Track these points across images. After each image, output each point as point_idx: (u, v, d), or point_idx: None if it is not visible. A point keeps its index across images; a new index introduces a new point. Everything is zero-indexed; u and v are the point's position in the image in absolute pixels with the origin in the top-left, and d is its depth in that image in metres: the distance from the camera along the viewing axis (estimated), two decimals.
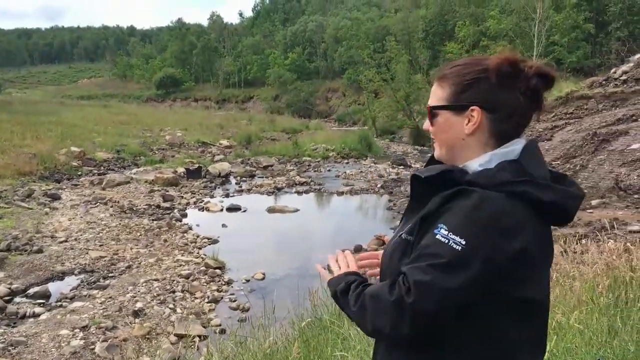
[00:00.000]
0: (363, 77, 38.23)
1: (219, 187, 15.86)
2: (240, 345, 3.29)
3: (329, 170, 19.57)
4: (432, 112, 1.39)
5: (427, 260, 1.22)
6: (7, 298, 6.80)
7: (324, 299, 4.16)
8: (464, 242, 1.19)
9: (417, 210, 1.34)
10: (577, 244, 5.57)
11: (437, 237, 1.23)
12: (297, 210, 12.87)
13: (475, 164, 1.34)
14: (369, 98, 38.61)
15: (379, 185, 15.96)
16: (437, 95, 1.39)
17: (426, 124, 1.44)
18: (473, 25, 40.47)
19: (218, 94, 79.85)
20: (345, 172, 18.75)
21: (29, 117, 27.71)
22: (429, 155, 1.52)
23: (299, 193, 15.21)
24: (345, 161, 22.09)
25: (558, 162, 13.67)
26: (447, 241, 1.20)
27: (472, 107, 1.33)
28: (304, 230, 11.31)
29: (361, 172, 18.79)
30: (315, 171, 19.35)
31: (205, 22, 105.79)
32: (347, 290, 1.41)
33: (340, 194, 14.98)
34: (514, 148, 1.33)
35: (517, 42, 34.95)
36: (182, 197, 13.95)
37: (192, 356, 3.84)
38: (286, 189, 15.67)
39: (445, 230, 1.22)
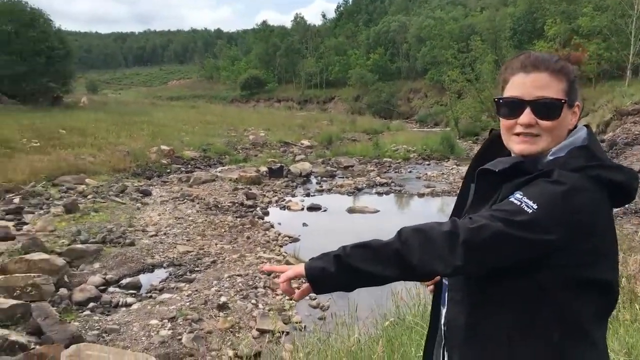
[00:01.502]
0: (446, 77, 37.50)
1: (300, 187, 16.09)
2: (323, 342, 3.33)
3: (409, 172, 19.37)
4: (555, 105, 1.35)
5: (493, 212, 1.26)
6: (102, 287, 7.21)
7: (407, 299, 4.13)
8: (535, 207, 1.21)
9: (483, 203, 1.38)
10: None
11: (510, 199, 1.27)
12: (377, 211, 12.84)
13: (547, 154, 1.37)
14: (452, 99, 37.83)
15: None
16: (555, 88, 1.36)
17: (530, 117, 1.36)
18: (564, 23, 38.69)
19: (300, 94, 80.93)
20: (426, 174, 18.51)
21: (123, 116, 29.23)
22: (478, 149, 1.58)
23: (379, 194, 15.16)
24: (427, 162, 21.79)
25: None
26: (519, 203, 1.23)
27: (577, 102, 1.40)
28: (384, 231, 11.16)
29: (443, 173, 18.48)
30: (395, 172, 19.22)
31: (289, 24, 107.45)
32: (355, 247, 1.34)
33: (421, 195, 14.79)
34: (578, 135, 1.38)
35: (613, 39, 33.13)
36: (265, 195, 14.26)
37: (275, 350, 3.92)
38: (366, 190, 15.67)
39: (520, 195, 1.25)
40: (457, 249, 1.21)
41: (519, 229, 1.20)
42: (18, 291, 6.35)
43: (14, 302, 5.92)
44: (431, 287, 1.65)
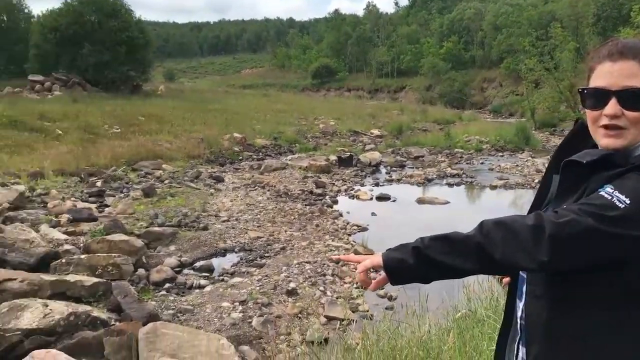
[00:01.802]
0: (523, 66, 36.14)
1: (369, 176, 16.06)
2: (393, 331, 3.34)
3: (482, 163, 18.92)
4: None
5: (581, 206, 1.21)
6: (177, 269, 7.50)
7: (478, 292, 4.07)
8: (628, 202, 1.15)
9: (569, 196, 1.32)
10: None
11: (600, 193, 1.21)
12: (447, 202, 12.64)
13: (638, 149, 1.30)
14: (528, 88, 36.49)
15: (536, 180, 15.12)
16: None
17: (616, 108, 1.30)
18: None
19: (371, 83, 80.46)
20: (499, 165, 18.02)
21: (198, 104, 30.11)
22: (562, 140, 1.52)
23: (449, 185, 14.91)
24: (500, 154, 21.18)
25: None
26: (610, 197, 1.18)
27: None
28: (454, 222, 11.04)
29: (517, 165, 17.93)
30: (467, 163, 18.83)
31: (361, 13, 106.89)
32: (433, 239, 1.34)
33: (494, 187, 14.44)
34: None
35: None
36: (334, 184, 14.34)
37: (344, 337, 3.97)
38: (436, 181, 15.45)
39: (611, 189, 1.20)
40: (542, 244, 1.17)
41: (610, 225, 1.15)
42: (100, 270, 6.71)
43: (96, 280, 6.25)
44: (507, 279, 1.62)
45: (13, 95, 26.55)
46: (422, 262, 1.32)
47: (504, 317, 1.53)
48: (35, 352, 4.15)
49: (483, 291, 4.11)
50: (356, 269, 1.47)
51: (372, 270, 1.43)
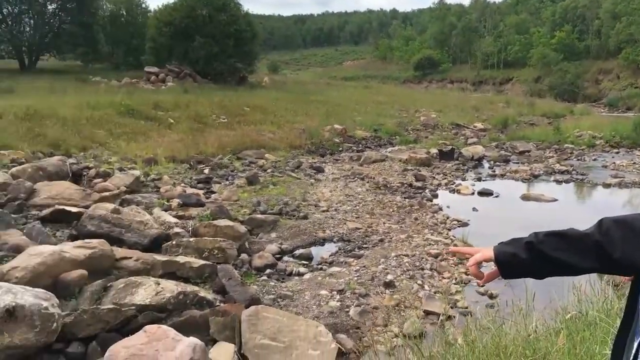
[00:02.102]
0: None
1: (471, 170, 15.65)
2: (497, 329, 3.26)
3: (594, 160, 17.85)
4: None
5: None
6: (277, 256, 7.72)
7: (590, 294, 3.87)
8: None
9: None
10: None
11: None
12: (555, 199, 12.05)
13: None
14: None
15: None
16: None
17: None
18: None
19: (475, 75, 77.99)
20: (614, 163, 16.90)
21: (300, 96, 30.66)
22: None
23: (557, 182, 14.21)
24: (615, 150, 19.85)
25: None
26: None
27: None
28: (562, 221, 10.50)
29: (634, 163, 16.75)
30: (578, 159, 17.84)
31: (466, 2, 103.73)
32: (549, 235, 1.31)
33: (607, 186, 13.57)
34: None
35: None
36: (434, 177, 14.11)
37: (441, 333, 3.92)
38: (543, 177, 14.77)
39: None
40: None
41: None
42: (206, 253, 7.05)
43: (203, 262, 6.57)
44: (626, 278, 1.54)
45: (130, 86, 28.35)
46: (535, 257, 1.29)
47: (624, 315, 1.46)
48: (148, 326, 4.43)
49: (595, 293, 3.89)
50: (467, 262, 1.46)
51: (482, 264, 1.42)
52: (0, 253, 6.17)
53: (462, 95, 48.44)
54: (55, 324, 4.42)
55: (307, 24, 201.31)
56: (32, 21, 41.35)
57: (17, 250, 6.23)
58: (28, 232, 7.08)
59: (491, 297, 6.44)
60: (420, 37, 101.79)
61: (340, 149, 18.31)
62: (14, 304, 4.30)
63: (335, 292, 6.35)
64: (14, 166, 10.83)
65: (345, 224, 9.39)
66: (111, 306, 4.96)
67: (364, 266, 7.33)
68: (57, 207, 8.31)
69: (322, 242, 8.59)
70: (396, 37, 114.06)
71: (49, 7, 41.89)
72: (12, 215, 7.91)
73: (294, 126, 20.21)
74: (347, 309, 5.89)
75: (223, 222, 8.14)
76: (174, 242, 7.28)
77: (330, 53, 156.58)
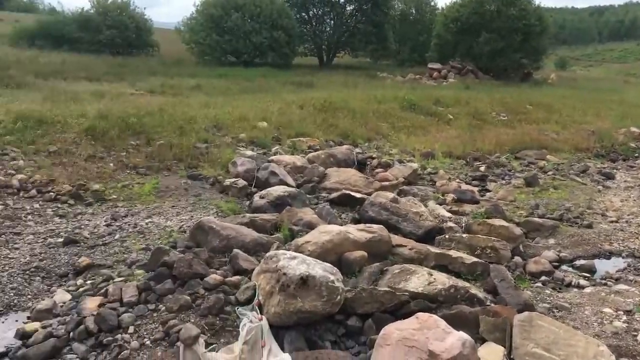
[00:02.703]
0: None
1: None
2: None
3: None
4: None
5: None
6: (555, 264, 7.24)
7: None
8: None
9: None
10: None
11: None
12: None
13: None
14: None
15: None
16: None
17: None
18: None
19: None
20: None
21: (591, 94, 28.08)
22: None
23: None
24: None
25: None
26: None
27: None
28: None
29: None
30: None
31: None
32: None
33: None
34: None
35: None
36: None
37: None
38: None
39: None
40: None
41: None
42: (478, 251, 6.99)
43: (475, 259, 6.53)
44: None
45: (414, 82, 29.41)
46: None
47: None
48: (420, 314, 4.60)
49: None
50: None
51: None
52: (296, 228, 7.05)
53: None
54: (339, 297, 4.88)
55: (605, 15, 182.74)
56: (332, 22, 45.73)
57: (310, 226, 7.05)
58: (319, 212, 7.94)
59: None
60: None
61: (636, 154, 16.25)
62: (307, 273, 4.87)
63: (621, 312, 5.71)
64: (310, 152, 12.22)
65: (637, 237, 8.35)
66: (387, 289, 5.26)
67: None
68: (343, 191, 9.13)
69: (607, 255, 7.78)
70: None
71: (348, 8, 45.78)
72: (307, 196, 8.98)
73: (581, 127, 18.62)
74: (635, 333, 5.26)
75: (497, 222, 7.96)
76: (447, 236, 7.38)
77: (630, 47, 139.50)
